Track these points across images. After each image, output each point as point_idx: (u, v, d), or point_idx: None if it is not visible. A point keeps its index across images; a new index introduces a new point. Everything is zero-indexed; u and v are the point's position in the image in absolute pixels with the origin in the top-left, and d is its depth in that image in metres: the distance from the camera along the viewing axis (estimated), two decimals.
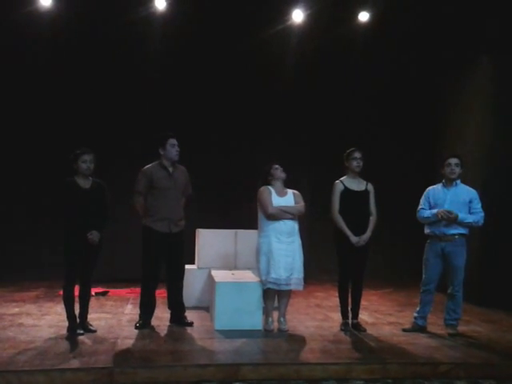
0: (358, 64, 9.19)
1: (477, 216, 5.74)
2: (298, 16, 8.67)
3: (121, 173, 8.33)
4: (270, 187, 5.84)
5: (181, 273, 6.03)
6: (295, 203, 5.81)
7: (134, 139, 8.73)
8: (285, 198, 5.81)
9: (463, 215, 5.68)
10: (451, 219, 5.63)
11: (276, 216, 5.71)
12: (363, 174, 5.98)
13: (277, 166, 5.85)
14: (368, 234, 5.80)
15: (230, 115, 9.16)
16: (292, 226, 5.77)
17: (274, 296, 5.85)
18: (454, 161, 5.79)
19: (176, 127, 7.14)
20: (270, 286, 5.69)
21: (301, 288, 5.83)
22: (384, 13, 8.65)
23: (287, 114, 9.30)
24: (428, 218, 5.79)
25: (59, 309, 6.32)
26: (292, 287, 5.74)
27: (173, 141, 5.87)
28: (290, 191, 5.89)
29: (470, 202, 5.77)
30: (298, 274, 5.73)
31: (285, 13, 8.65)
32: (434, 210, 5.74)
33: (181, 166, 6.04)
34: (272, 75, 9.11)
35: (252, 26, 8.59)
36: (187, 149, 6.30)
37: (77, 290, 5.58)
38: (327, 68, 9.25)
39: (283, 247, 5.68)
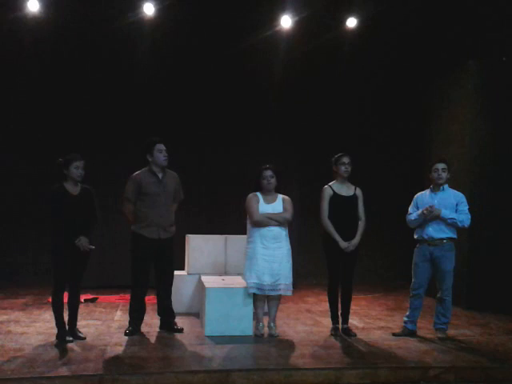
0: (345, 69, 9.25)
1: (462, 216, 5.74)
2: (286, 22, 8.73)
3: (110, 178, 8.31)
4: (258, 194, 5.83)
5: (170, 279, 6.01)
6: (283, 210, 5.79)
7: (124, 144, 8.70)
8: (272, 205, 5.78)
9: (446, 211, 5.69)
10: (434, 214, 5.64)
11: (261, 223, 5.71)
12: (352, 179, 6.00)
13: (266, 173, 5.77)
14: (357, 238, 5.81)
15: (219, 120, 9.17)
16: (278, 231, 5.75)
17: (263, 301, 5.85)
18: (440, 166, 5.82)
19: (165, 132, 7.16)
20: (253, 290, 5.69)
21: (290, 293, 5.82)
22: (372, 19, 8.72)
23: (276, 120, 9.32)
24: (416, 219, 5.82)
25: (48, 316, 6.27)
26: (281, 292, 5.74)
27: (160, 146, 5.84)
28: (279, 197, 5.86)
29: (457, 204, 5.80)
30: (286, 279, 5.72)
31: (273, 18, 8.70)
32: (419, 211, 5.78)
33: (171, 171, 6.02)
34: (260, 80, 9.14)
35: (241, 31, 8.63)
36: (177, 154, 6.30)
37: (66, 297, 5.54)
38: (315, 73, 9.30)
39: (268, 253, 5.68)
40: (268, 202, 5.79)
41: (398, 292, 8.32)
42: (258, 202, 5.77)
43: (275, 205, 5.79)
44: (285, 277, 5.71)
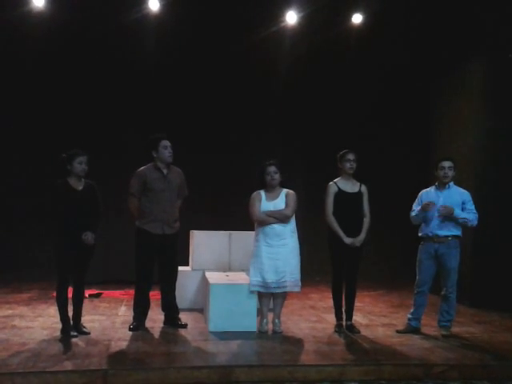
0: (351, 65, 9.22)
1: (471, 215, 5.74)
2: (291, 18, 8.71)
3: (115, 174, 8.32)
4: (261, 192, 5.81)
5: (174, 274, 6.02)
6: (286, 205, 5.77)
7: (127, 140, 8.71)
8: (274, 202, 5.75)
9: (458, 211, 5.69)
10: (448, 212, 5.63)
11: (262, 222, 5.71)
12: (357, 175, 5.98)
13: (270, 169, 5.75)
14: (362, 235, 5.79)
15: (224, 116, 9.16)
16: (281, 229, 5.72)
17: (269, 298, 5.84)
18: (447, 164, 5.78)
19: (170, 128, 7.14)
20: (255, 288, 5.69)
21: (298, 289, 5.80)
22: (377, 15, 8.69)
23: (281, 115, 9.31)
24: (416, 215, 5.81)
25: (52, 311, 6.29)
26: (287, 289, 5.73)
27: (165, 142, 5.84)
28: (283, 192, 5.82)
29: (464, 203, 5.77)
30: (292, 276, 5.70)
31: (279, 14, 8.68)
32: (419, 207, 5.76)
33: (176, 167, 6.02)
34: (265, 76, 9.13)
35: (246, 27, 8.62)
36: (181, 150, 6.29)
37: (70, 292, 5.56)
38: (321, 69, 9.28)
39: (273, 251, 5.67)
40: (271, 199, 5.78)
41: (402, 289, 8.31)
42: (260, 200, 5.75)
43: (277, 202, 5.77)
44: (291, 273, 5.69)
